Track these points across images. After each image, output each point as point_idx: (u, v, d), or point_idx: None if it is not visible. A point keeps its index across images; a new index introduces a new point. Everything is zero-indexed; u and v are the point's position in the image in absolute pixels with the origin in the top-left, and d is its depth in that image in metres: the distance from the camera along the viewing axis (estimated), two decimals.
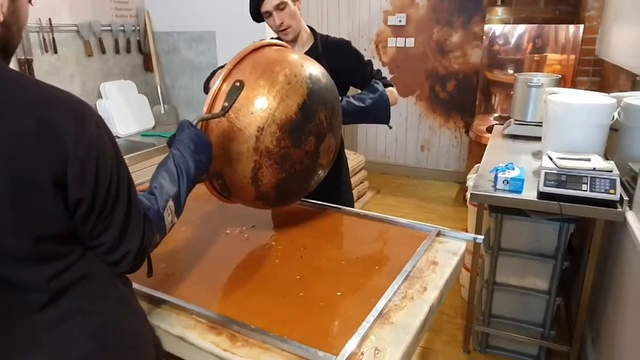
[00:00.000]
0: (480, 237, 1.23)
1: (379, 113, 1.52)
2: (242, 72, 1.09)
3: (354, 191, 3.42)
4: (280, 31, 1.52)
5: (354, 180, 3.46)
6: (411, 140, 4.19)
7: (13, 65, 2.21)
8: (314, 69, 1.18)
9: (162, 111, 2.94)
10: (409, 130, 4.16)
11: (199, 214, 1.43)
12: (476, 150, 3.39)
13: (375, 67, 1.65)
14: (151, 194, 0.82)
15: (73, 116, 0.63)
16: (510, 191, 1.67)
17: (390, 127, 1.60)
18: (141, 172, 2.26)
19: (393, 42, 4.02)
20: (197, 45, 2.80)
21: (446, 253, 1.17)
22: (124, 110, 2.69)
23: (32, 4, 0.72)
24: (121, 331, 0.75)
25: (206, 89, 1.54)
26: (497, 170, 1.73)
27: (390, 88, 1.61)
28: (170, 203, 0.84)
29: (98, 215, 0.67)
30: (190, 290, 1.02)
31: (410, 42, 3.95)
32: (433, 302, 0.98)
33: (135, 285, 1.00)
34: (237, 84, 1.07)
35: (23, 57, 2.24)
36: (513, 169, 1.74)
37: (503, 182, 1.68)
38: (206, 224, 1.37)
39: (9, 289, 0.64)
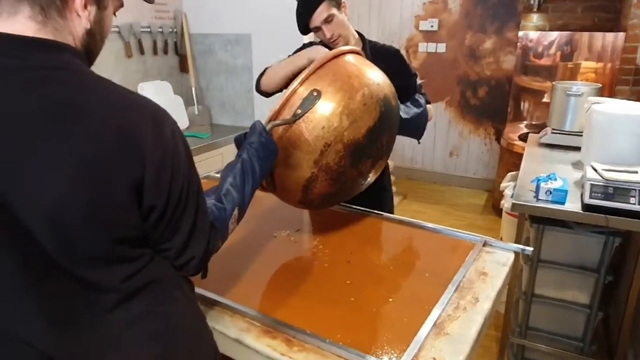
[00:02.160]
0: (529, 249, 1.21)
1: (417, 128, 1.53)
2: (321, 80, 1.09)
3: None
4: (331, 42, 1.52)
5: None
6: (440, 146, 4.15)
7: None
8: (388, 89, 1.19)
9: (196, 112, 2.98)
10: (437, 135, 4.13)
11: (247, 215, 1.44)
12: (507, 158, 3.35)
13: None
14: (220, 201, 0.83)
15: (151, 122, 0.64)
16: (553, 202, 1.64)
17: (419, 143, 1.61)
18: None
19: (424, 47, 4.00)
20: (233, 48, 2.83)
21: (495, 264, 1.16)
22: None
23: (116, 15, 0.74)
24: (187, 333, 0.76)
25: (258, 86, 1.54)
26: (539, 180, 1.70)
27: (429, 105, 1.61)
28: (235, 212, 0.86)
29: (168, 221, 0.68)
30: (242, 293, 1.03)
31: (441, 47, 3.93)
32: (486, 313, 0.97)
33: None
34: (315, 93, 1.06)
35: None
36: (555, 179, 1.71)
37: (546, 192, 1.66)
38: (254, 226, 1.38)
39: (85, 288, 0.65)
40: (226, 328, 0.92)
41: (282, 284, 1.09)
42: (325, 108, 1.06)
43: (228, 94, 2.95)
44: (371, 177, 1.26)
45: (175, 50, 2.94)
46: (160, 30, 2.79)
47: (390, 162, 3.64)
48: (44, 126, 0.59)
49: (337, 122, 1.06)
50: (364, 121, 1.10)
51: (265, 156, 0.96)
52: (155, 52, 2.80)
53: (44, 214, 0.59)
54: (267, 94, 1.53)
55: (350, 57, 1.18)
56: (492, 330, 2.14)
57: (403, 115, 1.44)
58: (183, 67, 2.97)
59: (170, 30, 2.86)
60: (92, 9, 0.67)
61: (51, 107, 0.59)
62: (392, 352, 0.84)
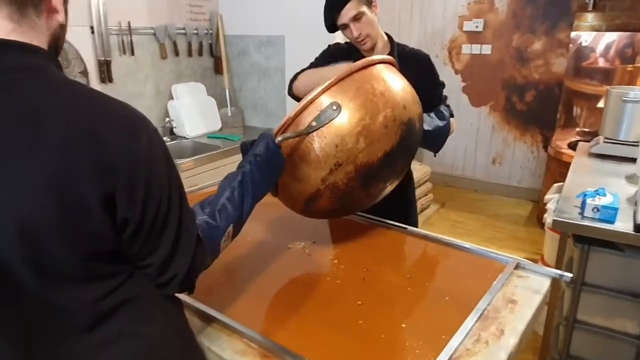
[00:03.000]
0: (568, 275, 1.07)
1: (437, 141, 1.43)
2: (344, 93, 1.00)
3: (417, 204, 3.29)
4: (357, 42, 1.44)
5: (417, 192, 3.32)
6: (482, 152, 3.96)
7: (93, 66, 2.32)
8: (415, 111, 1.10)
9: (229, 114, 2.97)
10: (479, 142, 3.94)
11: (263, 223, 1.38)
12: (555, 168, 3.13)
13: (448, 75, 1.55)
14: (213, 218, 0.76)
15: (125, 129, 0.59)
16: (600, 220, 1.48)
17: (435, 156, 1.51)
18: (205, 175, 2.28)
19: (468, 48, 3.82)
20: (266, 49, 2.80)
21: (526, 290, 1.04)
22: (192, 112, 2.75)
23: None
24: (170, 354, 0.70)
25: (291, 90, 1.49)
26: (585, 195, 1.55)
27: (452, 119, 1.50)
28: (230, 229, 0.79)
29: (146, 236, 0.63)
30: (244, 310, 0.97)
31: (486, 49, 3.74)
32: (511, 349, 0.86)
33: (188, 300, 0.97)
34: (334, 107, 0.98)
35: (102, 59, 2.33)
36: (605, 194, 1.54)
37: (592, 209, 1.49)
38: (269, 235, 1.32)
39: (54, 310, 0.61)
40: (221, 349, 0.86)
41: (288, 302, 1.02)
42: (343, 125, 0.98)
43: (260, 96, 2.92)
44: (380, 198, 1.18)
45: (210, 52, 2.94)
46: (195, 31, 2.80)
47: (428, 168, 3.52)
48: (11, 132, 0.55)
49: (353, 142, 0.98)
50: (381, 144, 1.02)
51: (270, 171, 0.90)
52: (190, 53, 2.82)
53: (10, 228, 0.55)
54: (299, 99, 1.47)
55: (380, 69, 1.09)
56: (529, 355, 1.98)
57: (425, 126, 1.34)
58: (217, 69, 2.97)
59: (206, 31, 2.87)
60: (60, 2, 0.64)
61: (19, 112, 0.55)
62: None
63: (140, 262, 0.66)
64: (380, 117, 1.01)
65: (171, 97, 2.71)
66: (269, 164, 0.88)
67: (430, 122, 1.36)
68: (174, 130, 2.70)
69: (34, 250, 0.56)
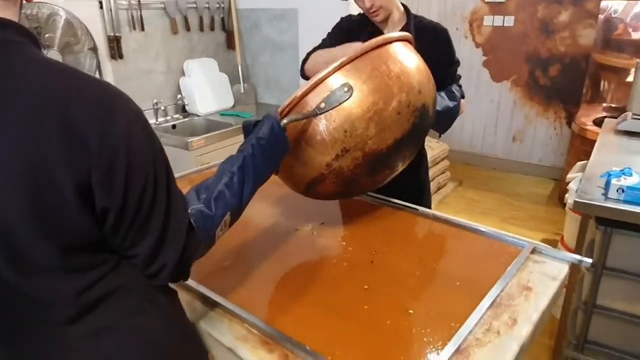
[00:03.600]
0: (588, 261, 1.02)
1: (444, 122, 1.37)
2: (357, 74, 0.94)
3: (433, 182, 3.21)
4: (370, 13, 1.36)
5: (434, 170, 3.24)
6: (502, 129, 3.83)
7: (102, 42, 2.29)
8: (429, 96, 1.03)
9: (242, 90, 2.92)
10: (500, 118, 3.81)
11: (270, 204, 1.35)
12: (579, 145, 3.01)
13: (468, 49, 1.46)
14: (208, 206, 0.71)
15: (100, 110, 0.55)
16: (625, 202, 1.40)
17: (440, 137, 1.44)
18: (217, 153, 2.26)
19: (490, 20, 3.65)
20: (279, 23, 2.72)
21: (543, 276, 0.98)
22: (205, 89, 2.70)
23: None
24: (160, 347, 0.68)
25: (303, 71, 1.43)
26: (609, 175, 1.47)
27: (463, 100, 1.43)
28: (227, 217, 0.75)
29: (130, 225, 0.59)
30: (247, 295, 0.95)
31: (509, 20, 3.57)
32: (524, 340, 0.81)
33: (191, 283, 0.95)
34: (346, 89, 0.92)
35: (112, 34, 2.30)
36: (631, 174, 1.46)
37: (617, 190, 1.42)
38: (277, 217, 1.29)
39: (36, 302, 0.59)
40: (221, 334, 0.84)
41: (293, 286, 0.99)
42: (353, 109, 0.92)
43: (273, 72, 2.86)
44: (385, 182, 1.13)
45: (222, 26, 2.88)
46: (206, 6, 2.74)
47: (446, 146, 3.42)
48: None
49: (363, 128, 0.93)
50: (392, 132, 0.96)
51: (274, 155, 0.85)
52: (201, 28, 2.76)
53: None
54: None
55: (397, 48, 1.02)
56: (545, 338, 1.94)
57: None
58: (229, 44, 2.91)
59: (217, 5, 2.80)
60: None
61: None
62: None
63: (126, 252, 0.62)
64: (394, 103, 0.95)
65: (183, 74, 2.67)
66: (273, 148, 0.83)
67: (441, 102, 1.29)
68: (186, 107, 2.67)
69: (10, 243, 0.53)
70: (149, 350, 0.66)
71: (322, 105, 0.92)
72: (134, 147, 0.57)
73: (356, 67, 0.95)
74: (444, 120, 1.36)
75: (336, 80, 0.94)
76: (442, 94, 1.34)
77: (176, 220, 0.64)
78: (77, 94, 0.54)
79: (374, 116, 0.93)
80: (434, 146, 3.25)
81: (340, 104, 0.92)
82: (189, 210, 0.68)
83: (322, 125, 0.92)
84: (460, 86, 1.47)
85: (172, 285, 0.77)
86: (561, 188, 3.30)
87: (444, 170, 3.44)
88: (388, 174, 1.08)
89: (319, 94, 0.93)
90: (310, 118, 0.92)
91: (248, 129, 0.86)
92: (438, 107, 1.26)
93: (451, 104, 1.34)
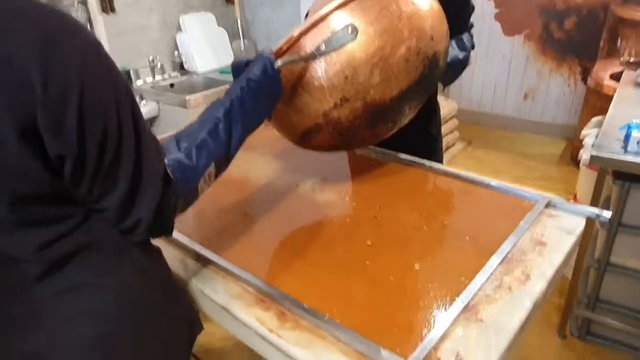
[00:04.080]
0: (607, 214, 0.95)
1: (451, 74, 1.27)
2: (363, 14, 0.84)
3: (442, 143, 3.12)
4: None
5: (442, 129, 3.14)
6: (513, 87, 3.69)
7: None
8: (443, 44, 0.94)
9: (242, 47, 2.80)
10: (512, 75, 3.66)
11: (269, 158, 1.28)
12: (594, 101, 2.88)
13: (479, 2, 1.35)
14: (189, 156, 0.64)
15: (43, 41, 0.46)
16: None
17: (444, 90, 1.34)
18: None
19: None
20: None
21: (558, 231, 0.92)
22: (203, 45, 2.59)
23: None
24: (138, 308, 0.63)
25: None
26: (629, 127, 1.38)
27: (472, 52, 1.32)
28: (212, 169, 0.67)
29: (93, 176, 0.52)
30: (243, 253, 0.89)
31: None
32: (537, 296, 0.76)
33: (184, 240, 0.90)
34: (350, 30, 0.83)
35: None
36: None
37: (638, 143, 1.33)
38: (276, 172, 1.22)
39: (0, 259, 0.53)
40: (215, 293, 0.79)
41: (291, 243, 0.94)
42: (357, 53, 0.83)
43: (274, 27, 2.73)
44: (386, 137, 1.04)
45: None
46: None
47: (455, 104, 3.31)
48: None
49: (366, 75, 0.84)
50: (398, 81, 0.88)
51: (265, 100, 0.76)
52: None
53: None
54: None
55: None
56: (555, 298, 1.90)
57: None
58: None
59: None
60: None
61: None
62: (404, 338, 0.67)
63: (94, 206, 0.56)
64: (402, 49, 0.85)
65: (179, 30, 2.56)
66: (265, 92, 0.75)
67: (450, 51, 1.20)
68: (184, 65, 2.57)
69: None
70: (124, 311, 0.61)
71: (322, 47, 0.84)
72: (89, 83, 0.49)
73: (362, 6, 0.85)
74: (451, 72, 1.27)
75: (339, 20, 0.84)
76: (452, 42, 1.25)
77: (149, 171, 0.57)
78: (15, 22, 0.46)
79: (379, 62, 0.85)
80: (442, 104, 3.12)
81: (342, 46, 0.83)
82: (166, 161, 0.61)
83: (321, 69, 0.84)
84: (471, 35, 1.37)
85: (157, 243, 0.72)
86: (574, 147, 3.19)
87: (453, 129, 3.34)
88: (390, 127, 1.00)
89: (319, 34, 0.85)
90: (308, 61, 0.84)
91: (238, 69, 0.78)
92: (448, 60, 1.17)
93: (460, 54, 1.25)
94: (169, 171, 0.60)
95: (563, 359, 1.62)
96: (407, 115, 0.99)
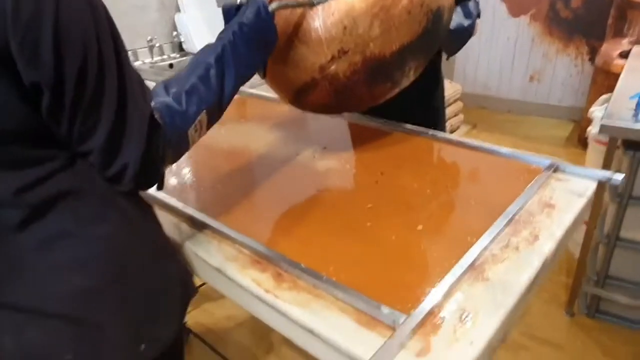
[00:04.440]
0: (618, 177, 0.91)
1: (456, 42, 1.23)
2: None
3: (446, 124, 3.06)
4: None
5: (447, 112, 3.09)
6: (519, 69, 3.62)
7: None
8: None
9: None
10: (517, 57, 3.59)
11: (270, 130, 1.25)
12: (602, 81, 2.83)
13: None
14: (178, 101, 0.60)
15: None
16: None
17: (447, 59, 1.31)
18: None
19: None
20: None
21: (567, 193, 0.88)
22: (202, 26, 2.55)
23: None
24: (126, 261, 0.60)
25: None
26: None
27: (478, 20, 1.27)
28: (203, 117, 0.64)
29: (72, 109, 0.49)
30: (240, 217, 0.86)
31: None
32: (546, 255, 0.72)
33: (177, 204, 0.87)
34: None
35: None
36: None
37: None
38: (276, 143, 1.18)
39: None
40: (209, 255, 0.76)
41: (288, 207, 0.90)
42: (356, 3, 0.80)
43: None
44: (385, 99, 1.00)
45: None
46: None
47: (459, 87, 3.25)
48: None
49: (366, 26, 0.80)
50: (399, 34, 0.84)
51: (259, 46, 0.72)
52: None
53: None
54: None
55: None
56: (562, 276, 1.86)
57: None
58: None
59: None
60: None
61: None
62: (406, 296, 0.63)
63: (78, 147, 0.53)
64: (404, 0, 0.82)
65: (178, 10, 2.51)
66: (258, 37, 0.71)
67: (454, 18, 1.15)
68: (183, 45, 2.53)
69: None
70: (111, 263, 0.58)
71: None
72: (64, 3, 0.46)
73: None
74: (456, 40, 1.23)
75: None
76: (457, 8, 1.20)
77: (134, 110, 0.53)
78: None
79: (380, 13, 0.81)
80: (446, 87, 3.08)
81: None
82: (153, 104, 0.57)
83: (319, 18, 0.80)
84: (477, 3, 1.32)
85: (148, 200, 0.69)
86: (581, 128, 3.14)
87: (457, 112, 3.29)
88: (389, 88, 0.96)
89: None
90: (304, 7, 0.80)
91: (229, 13, 0.73)
92: (452, 27, 1.12)
93: (466, 22, 1.20)
94: (156, 116, 0.56)
95: (571, 337, 1.59)
96: (408, 76, 0.95)
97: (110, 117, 0.51)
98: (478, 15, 1.30)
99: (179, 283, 0.69)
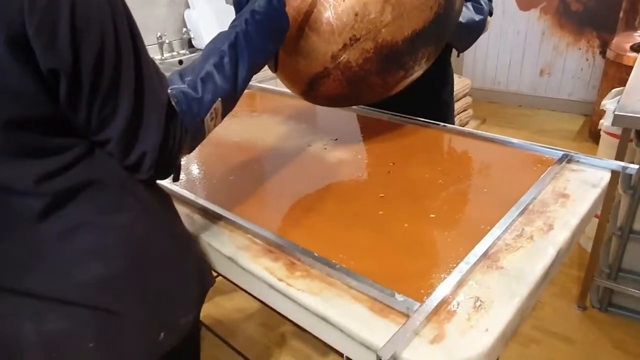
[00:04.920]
0: (634, 167, 0.90)
1: (467, 38, 1.21)
2: None
3: (455, 120, 3.05)
4: None
5: (455, 107, 3.07)
6: (529, 63, 3.59)
7: None
8: None
9: None
10: (527, 51, 3.56)
11: (281, 123, 1.25)
12: (613, 74, 2.79)
13: None
14: (194, 88, 0.61)
15: None
16: None
17: (458, 56, 1.30)
18: None
19: None
20: None
21: (581, 184, 0.87)
22: (211, 22, 2.56)
23: None
24: (145, 251, 0.60)
25: None
26: None
27: (489, 18, 1.26)
28: (218, 105, 0.64)
29: (90, 96, 0.49)
30: (252, 208, 0.86)
31: None
32: (561, 245, 0.72)
33: (190, 196, 0.88)
34: None
35: None
36: None
37: None
38: (287, 135, 1.19)
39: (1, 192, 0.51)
40: (222, 245, 0.76)
41: (301, 197, 0.90)
42: None
43: None
44: (399, 89, 1.00)
45: None
46: None
47: (468, 81, 3.23)
48: None
49: (377, 12, 0.80)
50: (411, 21, 0.83)
51: (271, 34, 0.72)
52: None
53: None
54: None
55: None
56: (573, 270, 1.85)
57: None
58: None
59: None
60: None
61: None
62: (420, 284, 0.63)
63: (97, 136, 0.53)
64: None
65: (187, 6, 2.52)
66: (271, 25, 0.71)
67: (465, 13, 1.14)
68: (193, 42, 2.54)
69: None
70: (130, 253, 0.58)
71: None
72: None
73: None
74: (467, 35, 1.21)
75: None
76: (469, 4, 1.19)
77: (152, 97, 0.54)
78: None
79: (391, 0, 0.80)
80: (455, 81, 3.06)
81: None
82: (169, 91, 0.58)
83: (330, 6, 0.80)
84: (490, 1, 1.31)
85: (165, 189, 0.69)
86: (592, 122, 3.11)
87: (466, 107, 3.26)
88: (402, 76, 0.96)
89: None
90: None
91: (240, 3, 0.74)
92: (462, 19, 1.11)
93: (477, 17, 1.19)
94: (173, 102, 0.57)
95: (583, 331, 1.58)
96: (420, 65, 0.94)
97: (128, 104, 0.51)
98: (490, 13, 1.28)
99: (197, 272, 0.70)
